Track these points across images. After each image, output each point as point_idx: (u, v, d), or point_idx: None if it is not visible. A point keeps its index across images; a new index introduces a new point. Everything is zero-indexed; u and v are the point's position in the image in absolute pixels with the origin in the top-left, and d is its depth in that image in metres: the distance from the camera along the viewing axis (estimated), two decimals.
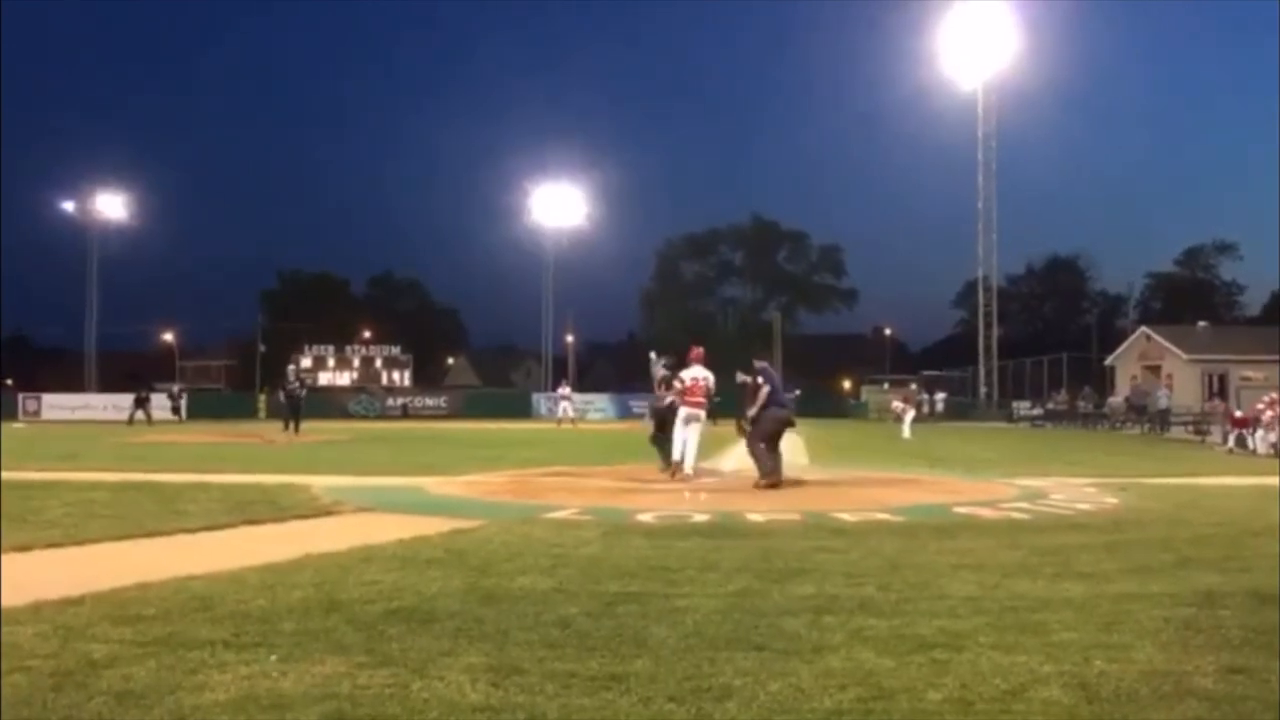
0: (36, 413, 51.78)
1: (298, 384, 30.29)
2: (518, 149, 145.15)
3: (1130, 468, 17.66)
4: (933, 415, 50.01)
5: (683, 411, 14.60)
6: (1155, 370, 47.38)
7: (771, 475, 13.26)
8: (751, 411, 13.49)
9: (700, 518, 9.84)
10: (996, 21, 54.73)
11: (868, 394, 59.08)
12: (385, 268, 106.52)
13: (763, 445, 13.51)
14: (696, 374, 14.85)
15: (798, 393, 50.20)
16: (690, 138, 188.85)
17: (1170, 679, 4.32)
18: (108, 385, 60.67)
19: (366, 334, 76.67)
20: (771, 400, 13.67)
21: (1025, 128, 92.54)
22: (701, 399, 14.72)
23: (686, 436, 14.58)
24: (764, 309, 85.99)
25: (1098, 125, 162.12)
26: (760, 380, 13.50)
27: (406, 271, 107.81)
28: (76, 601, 5.55)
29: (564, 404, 42.56)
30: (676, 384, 14.89)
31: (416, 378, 63.03)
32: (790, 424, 14.22)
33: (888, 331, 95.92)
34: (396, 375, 60.84)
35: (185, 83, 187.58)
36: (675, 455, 14.57)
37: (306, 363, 58.26)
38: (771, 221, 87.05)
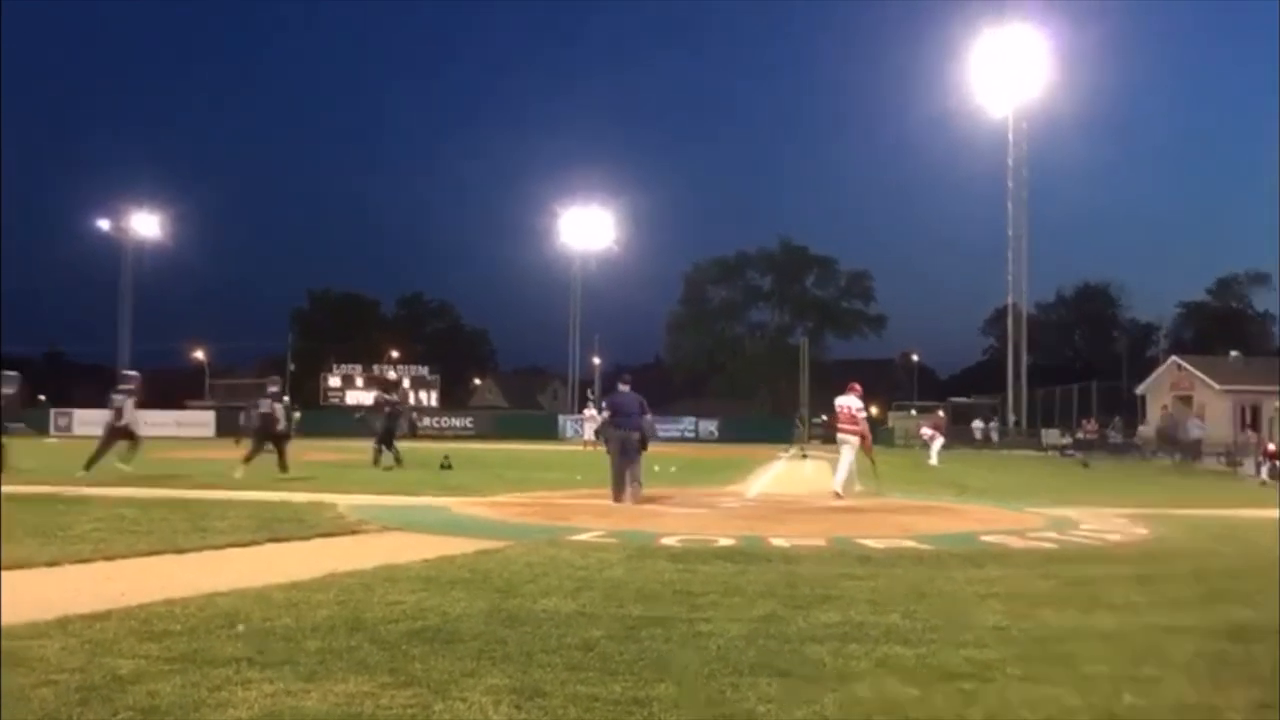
0: (68, 428, 52.24)
1: (399, 403, 28.02)
2: (547, 172, 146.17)
3: (1161, 499, 17.45)
4: (987, 442, 49.75)
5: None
6: (1187, 400, 46.89)
7: (614, 490, 14.44)
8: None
9: (725, 542, 9.80)
10: (1027, 48, 54.66)
11: (894, 420, 58.77)
12: (415, 289, 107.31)
13: (619, 463, 14.60)
14: (840, 402, 16.45)
15: (824, 418, 50.30)
16: (719, 162, 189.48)
17: (1200, 713, 4.26)
18: (139, 401, 61.15)
19: (395, 354, 77.06)
20: (611, 422, 14.96)
21: (1056, 154, 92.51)
22: (845, 425, 16.20)
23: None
24: (791, 334, 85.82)
25: (1130, 153, 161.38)
26: (603, 403, 14.83)
27: (436, 293, 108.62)
28: (104, 616, 5.59)
29: (589, 425, 42.50)
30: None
31: (443, 398, 63.27)
32: (629, 443, 14.68)
33: (915, 357, 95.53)
34: (424, 395, 61.10)
35: (221, 104, 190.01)
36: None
37: (335, 381, 58.60)
38: (800, 246, 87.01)
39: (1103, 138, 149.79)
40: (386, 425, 23.13)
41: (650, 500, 14.71)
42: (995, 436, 52.32)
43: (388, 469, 21.14)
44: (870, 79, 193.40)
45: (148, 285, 75.01)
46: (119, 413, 18.71)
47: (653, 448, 16.06)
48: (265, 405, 20.60)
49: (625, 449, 14.70)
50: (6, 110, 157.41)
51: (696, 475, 22.79)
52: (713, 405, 75.70)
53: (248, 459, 18.88)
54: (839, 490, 15.79)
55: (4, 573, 7.13)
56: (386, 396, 26.44)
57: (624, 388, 15.46)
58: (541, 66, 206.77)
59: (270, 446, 19.61)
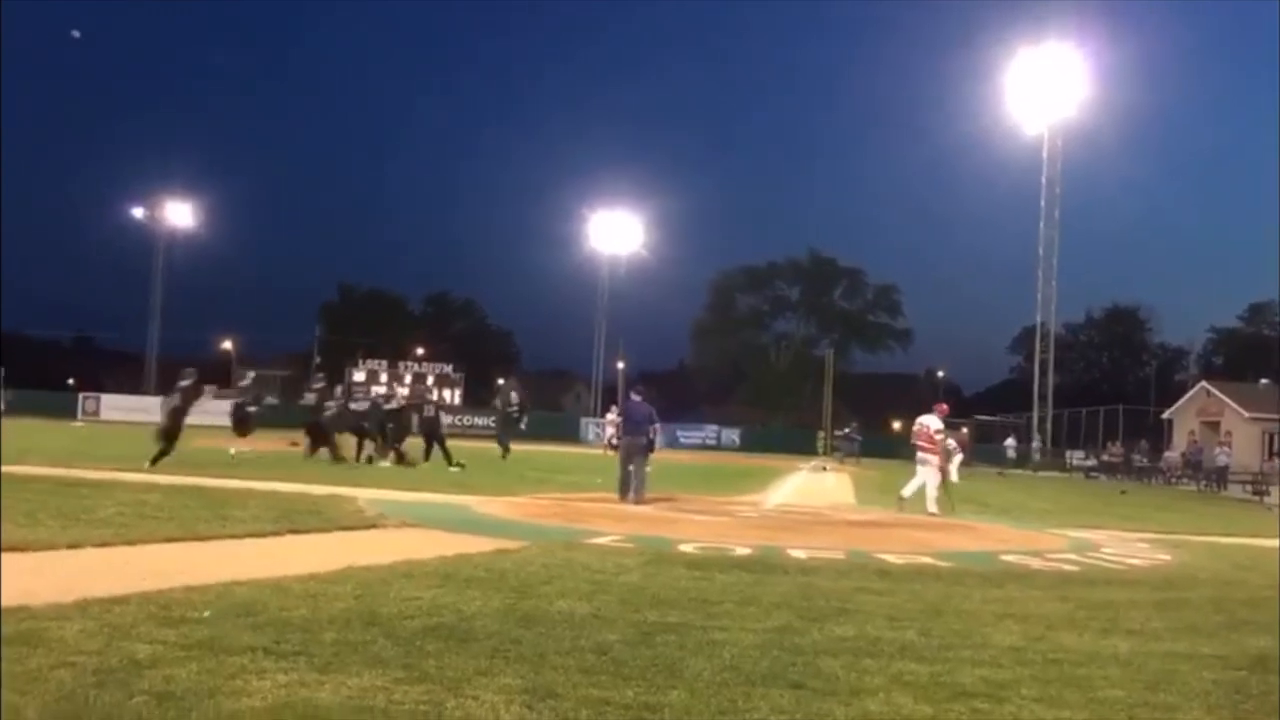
0: (95, 413, 52.78)
1: (432, 408, 26.71)
2: (577, 175, 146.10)
3: (1185, 524, 17.28)
4: (1021, 461, 49.37)
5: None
6: (1214, 426, 46.40)
7: (620, 491, 15.34)
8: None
9: (742, 551, 9.79)
10: (1064, 66, 54.28)
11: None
12: (442, 287, 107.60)
13: (625, 467, 15.61)
14: (922, 421, 16.69)
15: (847, 430, 50.18)
16: (750, 171, 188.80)
17: None
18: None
19: (420, 351, 77.30)
20: (624, 429, 16.57)
21: (1090, 173, 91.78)
22: (924, 444, 16.31)
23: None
24: (817, 345, 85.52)
25: (1165, 174, 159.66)
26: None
27: (463, 291, 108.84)
28: (123, 600, 5.64)
29: (610, 429, 42.50)
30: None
31: (467, 397, 63.42)
32: (637, 448, 15.67)
33: (941, 374, 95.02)
34: (447, 393, 61.24)
35: (258, 99, 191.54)
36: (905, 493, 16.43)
37: (360, 376, 58.79)
38: (829, 257, 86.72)
39: (1138, 157, 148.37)
40: (402, 425, 23.26)
41: (669, 506, 14.71)
42: (1037, 455, 51.75)
43: (406, 465, 21.15)
44: (905, 94, 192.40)
45: (179, 274, 75.53)
46: None
47: (673, 455, 16.58)
48: (430, 409, 22.19)
49: (631, 453, 15.65)
50: (45, 97, 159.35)
51: (716, 484, 22.77)
52: (736, 414, 75.58)
53: (451, 462, 21.12)
54: (933, 509, 15.87)
55: (27, 554, 7.22)
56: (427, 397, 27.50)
57: (636, 397, 16.59)
58: (573, 69, 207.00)
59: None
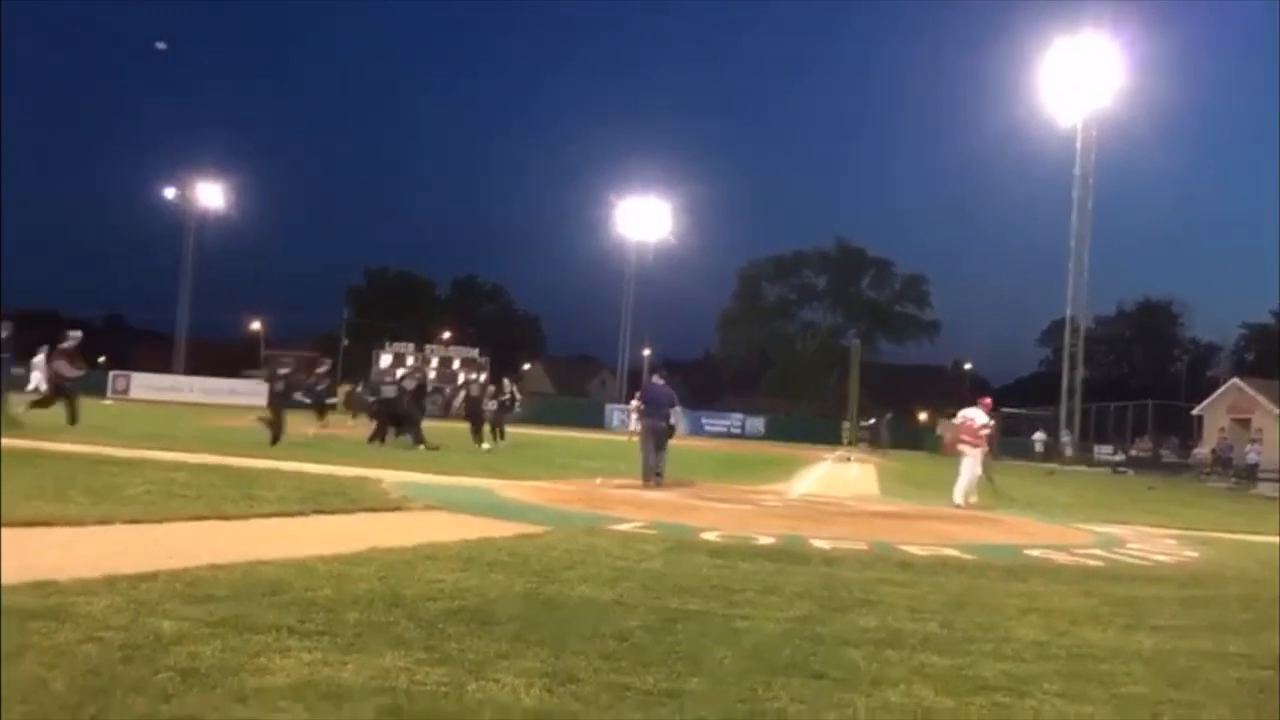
0: (125, 391, 53.25)
1: (477, 388, 27.18)
2: (606, 161, 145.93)
3: (1213, 522, 17.12)
4: (1051, 455, 48.92)
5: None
6: (1245, 424, 45.88)
7: (644, 475, 15.52)
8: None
9: (765, 540, 9.77)
10: (1100, 57, 53.63)
11: (943, 427, 58.15)
12: (470, 271, 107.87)
13: (646, 449, 15.82)
14: (965, 414, 16.54)
15: (871, 421, 50.05)
16: (779, 160, 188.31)
17: None
18: (195, 369, 62.42)
19: (446, 335, 77.55)
20: (644, 412, 16.73)
21: (1125, 166, 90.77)
22: (966, 437, 16.16)
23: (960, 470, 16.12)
24: (843, 335, 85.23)
25: (1200, 167, 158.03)
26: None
27: (490, 276, 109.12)
28: (150, 577, 5.68)
29: (635, 416, 42.50)
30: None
31: (492, 381, 63.70)
32: (658, 432, 15.93)
33: (968, 366, 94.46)
34: (473, 378, 61.38)
35: (289, 84, 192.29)
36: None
37: (386, 359, 58.99)
38: (857, 247, 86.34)
39: (1172, 150, 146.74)
40: (420, 408, 23.72)
41: (692, 494, 14.71)
42: (1068, 450, 51.19)
43: (430, 448, 21.23)
44: (938, 85, 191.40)
45: (209, 255, 76.11)
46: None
47: (698, 442, 16.77)
48: (475, 389, 24.55)
49: (653, 436, 15.73)
50: (82, 76, 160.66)
51: (740, 472, 22.75)
52: (761, 402, 75.56)
53: (480, 445, 22.56)
54: (959, 501, 15.71)
55: (57, 529, 7.31)
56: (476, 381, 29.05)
57: (658, 381, 16.70)
58: (605, 54, 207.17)
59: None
